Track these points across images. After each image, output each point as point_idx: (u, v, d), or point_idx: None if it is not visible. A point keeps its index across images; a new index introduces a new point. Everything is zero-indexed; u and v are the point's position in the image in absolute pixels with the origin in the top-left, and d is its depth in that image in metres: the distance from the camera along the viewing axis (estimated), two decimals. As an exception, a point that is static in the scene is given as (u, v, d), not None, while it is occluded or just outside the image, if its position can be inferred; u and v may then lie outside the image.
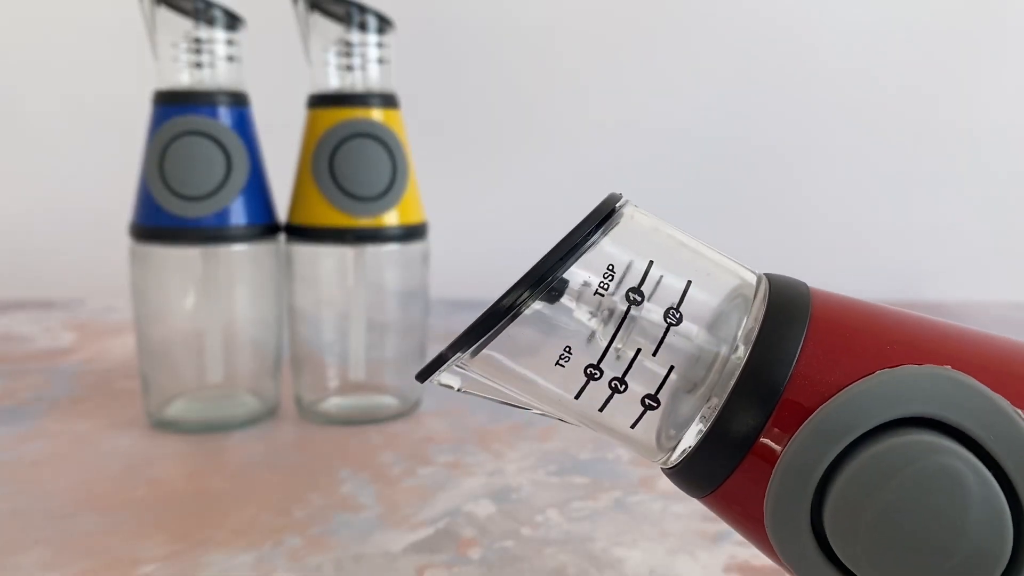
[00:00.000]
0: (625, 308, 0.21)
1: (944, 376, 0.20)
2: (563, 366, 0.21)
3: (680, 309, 0.21)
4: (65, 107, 0.86)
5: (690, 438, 0.22)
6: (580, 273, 0.21)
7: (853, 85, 0.87)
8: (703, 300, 0.22)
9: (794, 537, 0.20)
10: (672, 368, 0.21)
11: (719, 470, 0.21)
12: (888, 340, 0.21)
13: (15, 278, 0.86)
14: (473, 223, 0.87)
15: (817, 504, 0.20)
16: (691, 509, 0.39)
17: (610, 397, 0.21)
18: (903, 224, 0.89)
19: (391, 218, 0.49)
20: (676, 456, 0.22)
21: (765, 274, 0.24)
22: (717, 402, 0.21)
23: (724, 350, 0.22)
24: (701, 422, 0.22)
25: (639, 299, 0.21)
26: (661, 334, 0.21)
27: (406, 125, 0.51)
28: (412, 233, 0.50)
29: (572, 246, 0.21)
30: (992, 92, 0.87)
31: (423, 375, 0.22)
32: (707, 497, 0.22)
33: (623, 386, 0.21)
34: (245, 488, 0.41)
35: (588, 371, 0.21)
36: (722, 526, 0.37)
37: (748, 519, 0.22)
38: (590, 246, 0.21)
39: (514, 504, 0.40)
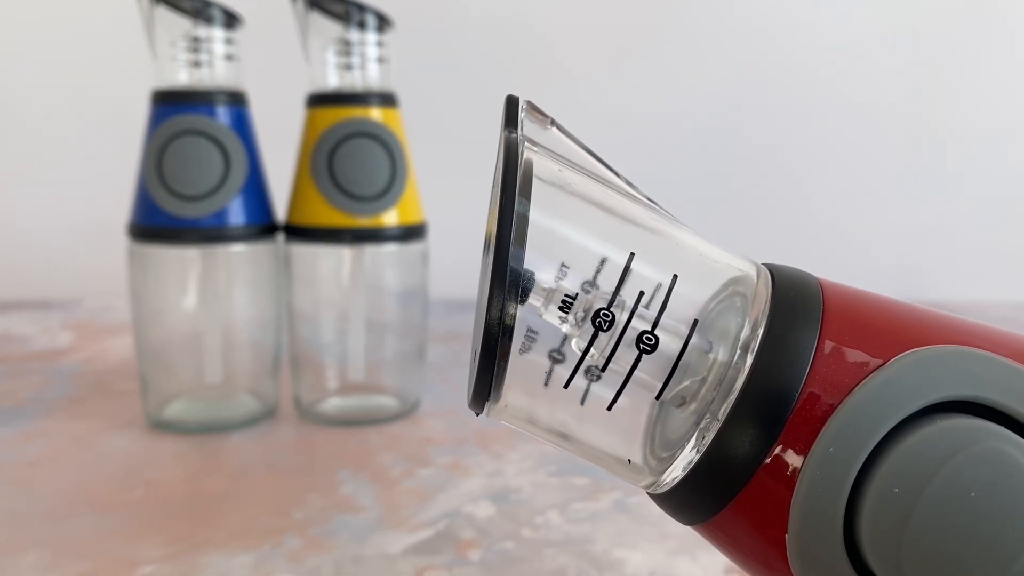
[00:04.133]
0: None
1: (974, 354, 0.18)
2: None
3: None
4: (63, 107, 0.86)
5: (683, 461, 0.19)
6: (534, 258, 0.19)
7: (854, 84, 0.87)
8: (684, 296, 0.19)
9: (825, 557, 0.17)
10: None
11: (715, 499, 0.19)
12: (906, 327, 0.19)
13: (13, 279, 0.86)
14: (473, 223, 0.86)
15: (849, 520, 0.17)
16: (692, 510, 0.39)
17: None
18: (903, 224, 0.89)
19: (390, 218, 0.49)
20: (668, 479, 0.20)
21: (766, 264, 0.21)
22: (712, 420, 0.19)
23: (720, 357, 0.19)
24: (696, 443, 0.19)
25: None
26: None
27: (406, 125, 0.51)
28: (411, 233, 0.50)
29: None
30: (993, 92, 0.87)
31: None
32: (703, 525, 0.20)
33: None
34: (244, 489, 0.41)
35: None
36: (723, 527, 0.37)
37: (754, 546, 0.19)
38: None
39: (514, 505, 0.39)
